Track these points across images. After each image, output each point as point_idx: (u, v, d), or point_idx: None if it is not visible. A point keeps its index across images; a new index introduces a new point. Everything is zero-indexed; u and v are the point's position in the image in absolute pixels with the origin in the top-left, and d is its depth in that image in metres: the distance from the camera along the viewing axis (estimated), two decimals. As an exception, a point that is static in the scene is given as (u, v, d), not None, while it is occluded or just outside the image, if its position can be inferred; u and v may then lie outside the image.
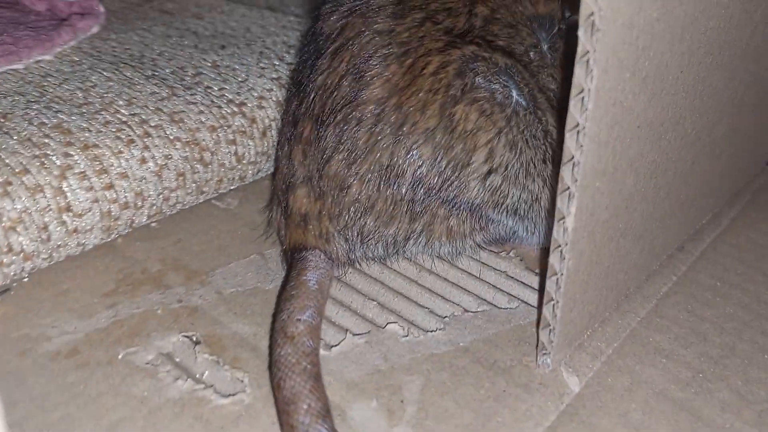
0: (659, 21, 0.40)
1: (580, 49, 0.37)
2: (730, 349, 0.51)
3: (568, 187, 0.41)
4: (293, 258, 0.55)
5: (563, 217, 0.42)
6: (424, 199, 0.53)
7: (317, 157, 0.54)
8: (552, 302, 0.46)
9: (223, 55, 0.67)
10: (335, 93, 0.53)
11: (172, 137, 0.57)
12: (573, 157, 0.40)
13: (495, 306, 0.55)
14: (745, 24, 0.51)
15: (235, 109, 0.61)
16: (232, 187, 0.65)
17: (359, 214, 0.54)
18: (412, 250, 0.57)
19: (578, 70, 0.37)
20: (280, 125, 0.63)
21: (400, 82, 0.51)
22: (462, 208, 0.54)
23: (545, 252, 0.60)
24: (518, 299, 0.55)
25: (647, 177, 0.48)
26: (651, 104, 0.44)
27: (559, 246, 0.43)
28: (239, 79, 0.64)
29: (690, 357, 0.50)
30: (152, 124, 0.57)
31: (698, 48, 0.46)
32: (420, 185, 0.53)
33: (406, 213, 0.54)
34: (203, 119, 0.59)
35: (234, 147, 0.61)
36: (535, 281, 0.57)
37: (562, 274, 0.44)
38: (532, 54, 0.56)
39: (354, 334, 0.51)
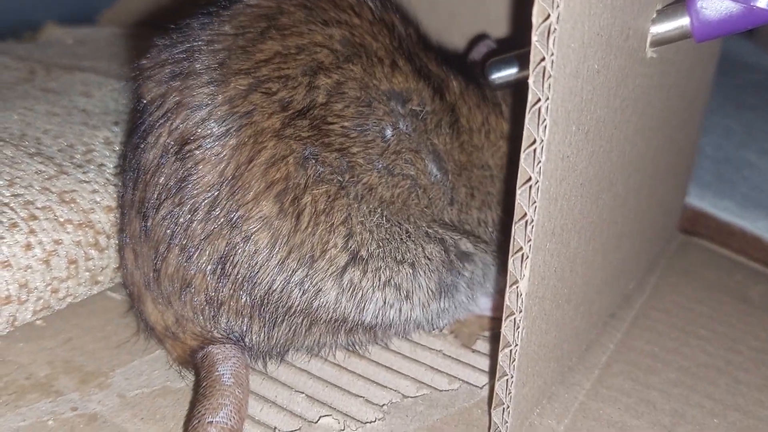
0: (599, 73, 0.39)
1: (530, 98, 0.35)
2: (681, 416, 0.49)
3: (521, 248, 0.38)
4: (194, 359, 0.47)
5: (516, 282, 0.39)
6: (268, 303, 0.46)
7: (150, 256, 0.46)
8: (505, 377, 0.42)
9: (117, 131, 0.61)
10: (159, 177, 0.45)
11: (62, 219, 0.50)
12: (526, 215, 0.37)
13: (435, 389, 0.50)
14: (662, 86, 0.52)
15: (135, 187, 0.55)
16: (130, 276, 0.58)
17: (213, 314, 0.46)
18: (300, 350, 0.50)
19: (529, 121, 0.35)
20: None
21: (229, 170, 0.44)
22: (324, 319, 0.47)
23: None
24: (459, 379, 0.51)
25: (587, 239, 0.46)
26: (591, 162, 0.43)
27: (512, 313, 0.40)
28: (138, 156, 0.58)
29: (643, 427, 0.48)
30: (39, 206, 0.50)
31: (627, 106, 0.46)
32: (260, 283, 0.45)
33: (261, 317, 0.46)
34: (98, 199, 0.53)
35: (134, 229, 0.54)
36: (473, 359, 0.53)
37: (516, 345, 0.40)
38: (389, 133, 0.49)
39: (283, 432, 0.45)
